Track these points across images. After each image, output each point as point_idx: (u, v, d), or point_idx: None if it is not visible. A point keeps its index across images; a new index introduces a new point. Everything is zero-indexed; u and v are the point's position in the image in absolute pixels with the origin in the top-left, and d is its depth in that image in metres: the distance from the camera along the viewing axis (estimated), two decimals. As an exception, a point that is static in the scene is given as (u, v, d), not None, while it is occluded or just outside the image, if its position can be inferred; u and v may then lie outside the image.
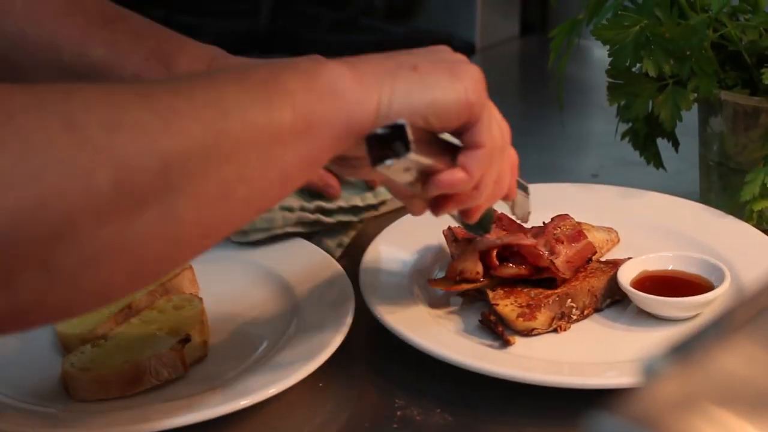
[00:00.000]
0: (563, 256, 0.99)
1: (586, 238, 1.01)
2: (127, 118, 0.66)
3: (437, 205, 0.85)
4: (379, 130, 0.76)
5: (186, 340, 0.93)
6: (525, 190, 0.96)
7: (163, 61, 0.95)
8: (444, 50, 0.82)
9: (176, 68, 0.94)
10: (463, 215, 0.89)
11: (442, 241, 1.05)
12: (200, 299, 0.99)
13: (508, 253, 0.99)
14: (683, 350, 0.42)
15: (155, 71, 0.94)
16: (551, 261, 0.98)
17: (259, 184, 0.72)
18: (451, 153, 0.82)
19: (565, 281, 0.98)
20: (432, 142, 0.80)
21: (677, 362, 0.41)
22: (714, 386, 0.41)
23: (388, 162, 0.76)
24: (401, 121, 0.76)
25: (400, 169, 0.78)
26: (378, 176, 0.83)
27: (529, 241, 0.99)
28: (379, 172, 0.78)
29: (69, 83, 0.70)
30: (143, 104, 0.68)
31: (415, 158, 0.77)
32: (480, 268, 0.98)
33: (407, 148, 0.76)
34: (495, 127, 0.82)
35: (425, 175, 0.81)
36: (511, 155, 0.88)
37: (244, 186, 0.71)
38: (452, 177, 0.81)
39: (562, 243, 0.99)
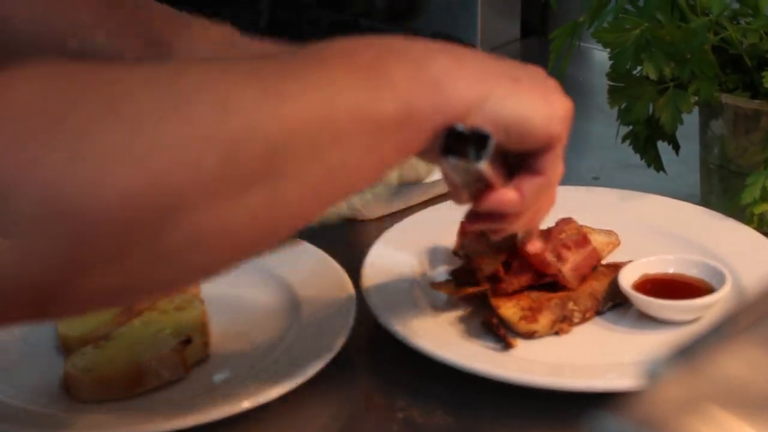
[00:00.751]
0: (570, 263, 0.98)
1: (591, 243, 1.01)
2: (236, 100, 0.66)
3: (476, 217, 0.85)
4: (463, 128, 0.77)
5: (187, 341, 0.93)
6: None
7: (164, 47, 0.94)
8: (541, 73, 0.83)
9: (177, 53, 0.93)
10: (489, 231, 0.90)
11: (445, 243, 1.05)
12: (202, 300, 0.99)
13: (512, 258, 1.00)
14: (686, 353, 0.42)
15: (156, 56, 0.94)
16: (559, 270, 0.98)
17: (358, 170, 0.73)
18: (505, 172, 0.82)
19: (566, 285, 0.98)
20: (497, 156, 0.80)
21: (680, 365, 0.41)
22: (716, 389, 0.41)
23: (455, 160, 0.77)
24: (488, 131, 0.77)
25: (461, 170, 0.79)
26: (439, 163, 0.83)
27: (534, 248, 0.98)
28: (442, 162, 0.79)
29: (181, 62, 0.71)
30: (254, 85, 0.68)
31: (482, 169, 0.78)
32: (499, 265, 0.98)
33: (479, 157, 0.77)
34: (559, 163, 0.83)
35: (478, 183, 0.81)
36: (552, 196, 0.88)
37: (345, 172, 0.72)
38: (504, 197, 0.82)
39: (570, 249, 0.99)
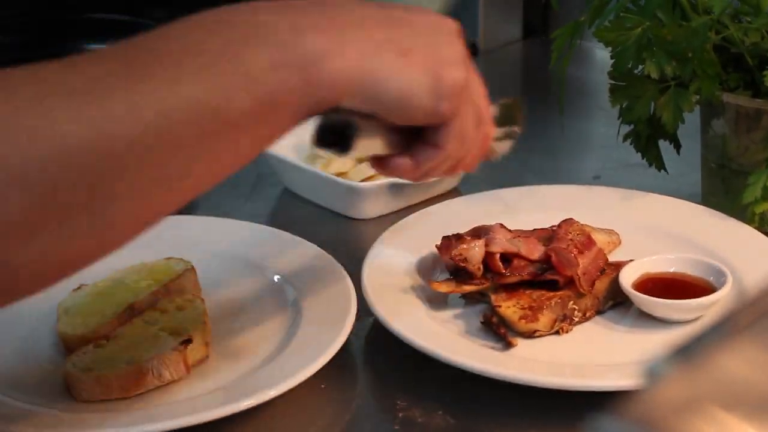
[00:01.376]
0: (581, 268, 0.98)
1: (596, 243, 1.01)
2: (48, 133, 0.62)
3: (378, 166, 0.83)
4: (332, 120, 0.74)
5: (188, 341, 0.93)
6: (511, 136, 0.95)
7: None
8: (441, 35, 0.78)
9: None
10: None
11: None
12: (202, 300, 0.99)
13: (510, 254, 1.00)
14: (686, 352, 0.42)
15: None
16: (577, 273, 0.97)
17: (208, 172, 0.70)
18: (410, 134, 0.80)
19: (567, 283, 0.98)
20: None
21: (680, 365, 0.41)
22: (717, 389, 0.41)
23: (327, 151, 0.76)
24: (356, 125, 0.74)
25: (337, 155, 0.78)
26: None
27: (535, 249, 0.98)
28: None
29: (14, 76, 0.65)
30: (74, 110, 0.63)
31: (355, 155, 0.77)
32: (480, 261, 0.98)
33: (347, 149, 0.75)
34: (460, 138, 0.79)
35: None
36: (455, 168, 0.84)
37: (191, 179, 0.68)
38: (397, 165, 0.80)
39: (582, 253, 0.99)
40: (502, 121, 0.92)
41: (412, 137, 0.80)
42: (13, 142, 0.61)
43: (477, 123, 0.81)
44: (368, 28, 0.74)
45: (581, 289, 0.97)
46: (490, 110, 0.85)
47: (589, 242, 1.00)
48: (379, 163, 0.81)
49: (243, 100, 0.68)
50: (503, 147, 0.95)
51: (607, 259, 1.02)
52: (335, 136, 0.75)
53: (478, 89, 0.81)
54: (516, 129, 0.95)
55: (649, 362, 0.42)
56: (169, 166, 0.66)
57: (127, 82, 0.65)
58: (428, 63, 0.75)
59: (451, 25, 0.79)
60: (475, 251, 0.98)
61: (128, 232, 0.68)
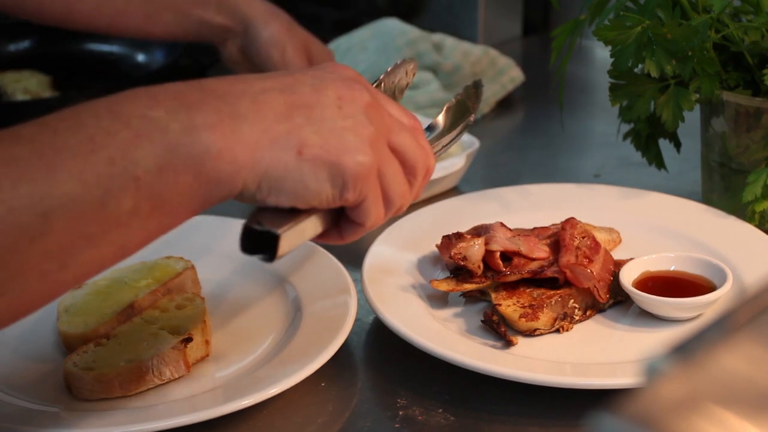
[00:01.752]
0: (596, 276, 0.98)
1: (601, 245, 1.01)
2: None
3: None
4: (254, 230, 0.75)
5: (188, 339, 0.93)
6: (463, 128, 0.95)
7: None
8: (353, 112, 0.77)
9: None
10: None
11: (445, 241, 1.05)
12: (202, 299, 0.99)
13: (510, 253, 1.00)
14: (685, 350, 0.42)
15: None
16: (594, 286, 0.97)
17: (89, 263, 0.70)
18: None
19: (567, 282, 0.98)
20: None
21: (679, 362, 0.41)
22: (716, 386, 0.41)
23: (257, 257, 0.76)
24: (276, 233, 0.75)
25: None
26: None
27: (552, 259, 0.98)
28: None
29: None
30: None
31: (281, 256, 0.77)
32: (480, 260, 0.98)
33: (274, 257, 0.76)
34: (376, 208, 0.79)
35: None
36: (419, 164, 0.82)
37: (68, 271, 0.69)
38: (330, 240, 0.82)
39: (592, 261, 0.99)
40: (454, 119, 0.93)
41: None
42: None
43: (408, 172, 0.81)
44: (265, 122, 0.74)
45: (599, 299, 0.97)
46: (425, 135, 0.85)
47: (596, 245, 1.00)
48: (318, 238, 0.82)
49: (127, 200, 0.69)
50: (455, 147, 0.96)
51: (613, 260, 1.02)
52: (259, 243, 0.75)
53: (406, 144, 0.80)
54: (470, 118, 0.95)
55: (650, 360, 0.42)
56: (46, 262, 0.67)
57: (7, 180, 0.66)
58: (327, 155, 0.75)
59: (360, 100, 0.78)
60: (474, 250, 0.99)
61: (5, 320, 0.70)
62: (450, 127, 0.92)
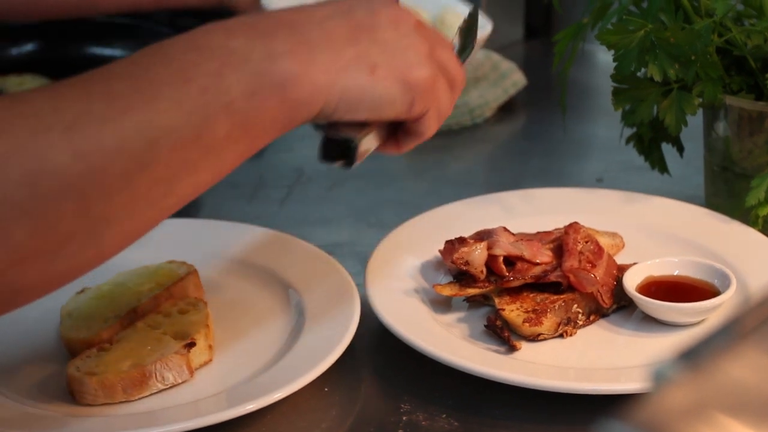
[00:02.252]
0: (599, 281, 0.98)
1: (604, 249, 1.01)
2: (48, 168, 0.67)
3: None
4: (333, 137, 0.82)
5: (191, 344, 0.93)
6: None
7: None
8: (408, 27, 0.83)
9: None
10: None
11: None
12: (205, 303, 0.99)
13: (513, 257, 1.00)
14: (692, 357, 0.42)
15: None
16: (598, 290, 0.97)
17: (190, 188, 0.75)
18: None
19: (570, 287, 0.98)
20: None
21: (686, 369, 0.41)
22: (723, 395, 0.41)
23: (335, 164, 0.84)
24: (355, 140, 0.82)
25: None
26: None
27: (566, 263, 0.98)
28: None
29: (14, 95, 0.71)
30: (71, 147, 0.68)
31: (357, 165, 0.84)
32: (483, 264, 0.98)
33: (351, 162, 0.83)
34: (435, 117, 0.86)
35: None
36: (458, 79, 0.88)
37: (173, 197, 0.74)
38: (388, 151, 0.88)
39: (595, 266, 0.99)
40: (465, 42, 0.96)
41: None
42: (15, 179, 0.66)
43: (450, 87, 0.87)
44: (336, 47, 0.79)
45: (602, 303, 0.97)
46: (455, 48, 0.91)
47: (599, 250, 1.00)
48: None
49: (222, 126, 0.74)
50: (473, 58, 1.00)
51: (617, 264, 1.01)
52: (338, 151, 0.82)
53: (447, 59, 0.86)
54: (477, 40, 0.98)
55: (656, 366, 0.42)
56: (154, 189, 0.72)
57: (114, 113, 0.70)
58: (395, 73, 0.81)
59: (409, 20, 0.84)
60: (477, 254, 0.99)
61: (119, 246, 0.73)
62: (463, 45, 0.96)
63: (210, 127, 0.73)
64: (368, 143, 0.85)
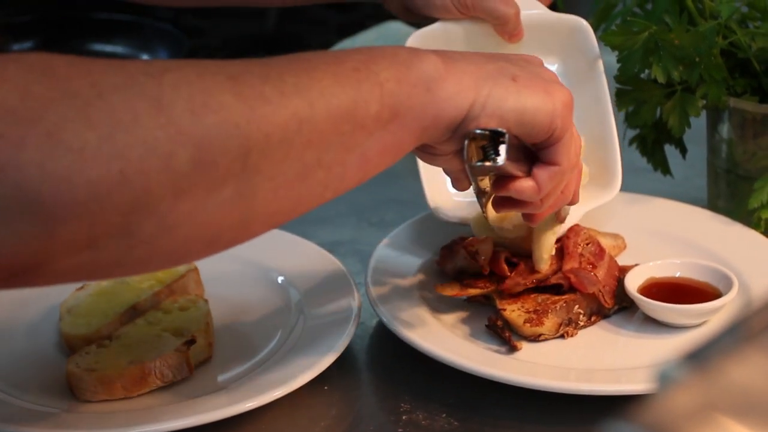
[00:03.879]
0: (601, 282, 0.98)
1: (606, 250, 1.01)
2: (213, 102, 0.69)
3: (501, 204, 0.89)
4: (480, 131, 0.80)
5: (191, 341, 0.93)
6: None
7: None
8: (538, 64, 0.86)
9: None
10: (525, 218, 0.92)
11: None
12: (205, 301, 0.99)
13: (516, 258, 1.00)
14: (697, 359, 0.42)
15: None
16: (599, 290, 0.97)
17: (338, 168, 0.76)
18: (527, 158, 0.85)
19: (572, 288, 0.98)
20: (513, 150, 0.83)
21: (691, 371, 0.41)
22: (728, 397, 0.41)
23: (481, 164, 0.80)
24: (503, 130, 0.80)
25: (487, 171, 0.83)
26: (454, 166, 0.86)
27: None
28: (467, 169, 0.82)
29: (163, 63, 0.72)
30: (232, 88, 0.71)
31: (503, 166, 0.81)
32: (489, 256, 0.98)
33: (498, 155, 0.80)
34: (573, 148, 0.85)
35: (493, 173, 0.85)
36: (579, 167, 0.90)
37: (322, 170, 0.75)
38: (523, 186, 0.84)
39: (596, 267, 0.99)
40: None
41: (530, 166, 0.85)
42: (181, 106, 0.68)
43: (576, 156, 0.87)
44: (477, 63, 0.82)
45: (604, 304, 0.97)
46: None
47: (600, 252, 1.00)
48: (503, 183, 0.85)
49: (373, 106, 0.75)
50: None
51: (618, 266, 1.01)
52: (486, 146, 0.80)
53: (574, 128, 0.86)
54: None
55: (661, 367, 0.42)
56: (306, 154, 0.73)
57: (274, 74, 0.73)
58: (536, 83, 0.82)
59: (537, 60, 0.87)
60: (485, 248, 0.99)
61: (271, 210, 0.74)
62: None
63: (363, 101, 0.75)
64: (509, 153, 0.81)
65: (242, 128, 0.70)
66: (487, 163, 0.80)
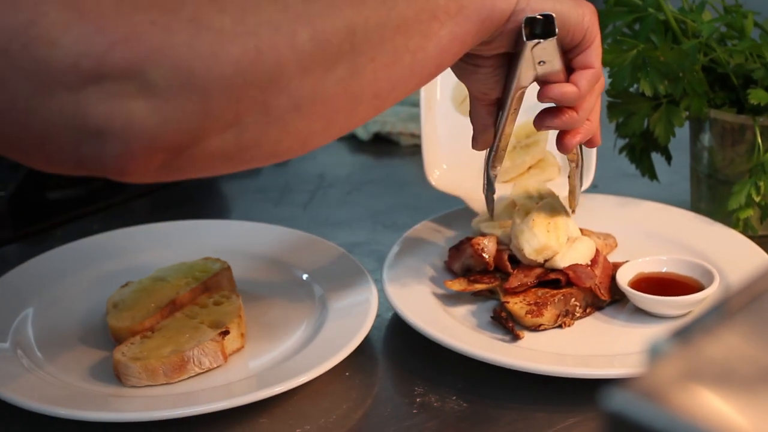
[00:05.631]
0: (597, 279, 0.99)
1: (600, 253, 1.01)
2: None
3: (542, 118, 0.91)
4: (535, 15, 0.84)
5: (225, 332, 0.94)
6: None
7: None
8: None
9: None
10: (559, 143, 0.93)
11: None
12: (237, 296, 1.00)
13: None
14: (682, 335, 0.43)
15: None
16: (596, 285, 0.98)
17: (420, 54, 0.78)
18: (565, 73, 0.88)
19: (568, 282, 0.99)
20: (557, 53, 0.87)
21: (677, 346, 0.43)
22: (706, 368, 0.42)
23: (536, 40, 0.84)
24: (551, 13, 0.84)
25: (541, 54, 0.86)
26: (491, 83, 0.89)
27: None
28: (526, 52, 0.85)
29: None
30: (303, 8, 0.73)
31: (556, 48, 0.86)
32: (493, 255, 1.00)
33: (552, 32, 0.84)
34: (599, 56, 0.88)
35: (542, 83, 0.88)
36: (599, 90, 0.92)
37: (409, 54, 0.78)
38: (564, 89, 0.88)
39: (592, 266, 0.99)
40: None
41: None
42: (307, 4, 0.72)
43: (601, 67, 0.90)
44: None
45: (601, 296, 0.98)
46: None
47: (596, 254, 1.01)
48: (546, 90, 0.88)
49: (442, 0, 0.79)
50: None
51: (611, 265, 1.02)
52: (542, 28, 0.85)
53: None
54: None
55: (652, 343, 0.43)
56: (396, 38, 0.76)
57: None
58: None
59: None
60: (491, 246, 1.00)
61: (375, 89, 0.77)
62: None
63: (399, 6, 0.77)
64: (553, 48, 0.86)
65: (345, 12, 0.74)
66: (545, 39, 0.84)
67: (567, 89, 0.88)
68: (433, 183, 1.08)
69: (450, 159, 1.11)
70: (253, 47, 0.69)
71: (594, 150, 1.06)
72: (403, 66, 0.78)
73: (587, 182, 1.08)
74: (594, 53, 0.88)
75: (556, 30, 0.84)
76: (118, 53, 0.65)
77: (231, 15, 0.69)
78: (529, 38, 0.84)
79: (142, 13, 0.66)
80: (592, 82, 0.88)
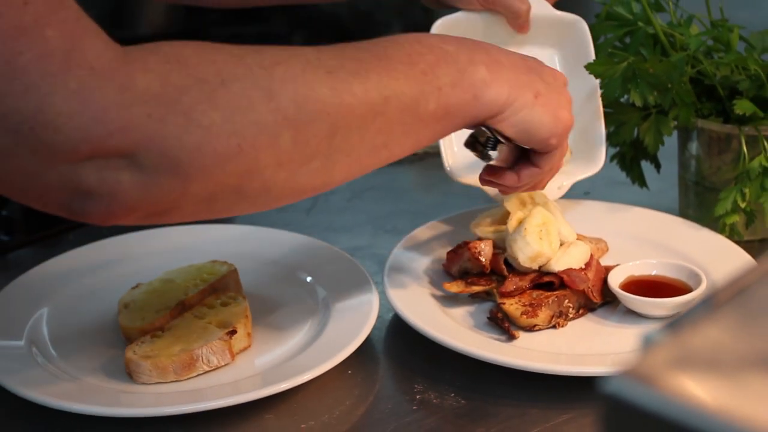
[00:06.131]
0: (590, 282, 1.00)
1: (594, 258, 1.02)
2: (312, 95, 0.77)
3: (485, 182, 0.96)
4: (485, 131, 0.89)
5: (233, 332, 0.95)
6: None
7: None
8: (562, 83, 0.92)
9: None
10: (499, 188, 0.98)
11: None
12: (244, 297, 1.00)
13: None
14: (674, 326, 0.44)
15: None
16: (588, 287, 0.99)
17: (397, 148, 0.84)
18: (516, 154, 0.92)
19: (562, 285, 0.99)
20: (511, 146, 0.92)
21: (668, 335, 0.44)
22: (694, 355, 0.43)
23: (473, 153, 0.91)
24: (501, 139, 0.89)
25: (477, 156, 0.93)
26: None
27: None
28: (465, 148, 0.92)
29: (274, 54, 0.78)
30: (328, 83, 0.78)
31: (491, 162, 0.92)
32: (490, 258, 1.00)
33: (490, 158, 0.91)
34: (558, 157, 0.92)
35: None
36: (543, 181, 0.95)
37: (386, 150, 0.82)
38: (506, 178, 0.93)
39: (587, 268, 1.00)
40: None
41: (518, 160, 0.93)
42: (288, 96, 0.77)
43: (559, 161, 0.93)
44: (516, 71, 0.88)
45: (594, 299, 0.99)
46: None
47: (590, 259, 1.01)
48: (491, 172, 0.93)
49: (432, 103, 0.83)
50: None
51: (603, 269, 1.03)
52: (481, 145, 0.90)
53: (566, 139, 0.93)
54: None
55: (647, 333, 0.45)
56: (377, 137, 0.81)
57: (362, 70, 0.80)
58: (552, 105, 0.89)
59: (563, 79, 0.93)
60: (487, 249, 1.00)
61: (344, 177, 0.83)
62: None
63: (425, 100, 0.82)
64: (502, 151, 0.91)
65: (332, 116, 0.78)
66: (480, 157, 0.91)
67: (507, 178, 0.92)
68: (448, 169, 1.07)
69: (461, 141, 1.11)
70: (235, 145, 0.75)
71: (603, 136, 1.08)
72: (378, 158, 0.83)
73: (596, 167, 1.08)
74: (548, 159, 0.91)
75: (493, 155, 0.90)
76: (114, 141, 0.71)
77: (222, 112, 0.74)
78: (470, 148, 0.91)
79: (141, 105, 0.72)
80: (535, 179, 0.92)
